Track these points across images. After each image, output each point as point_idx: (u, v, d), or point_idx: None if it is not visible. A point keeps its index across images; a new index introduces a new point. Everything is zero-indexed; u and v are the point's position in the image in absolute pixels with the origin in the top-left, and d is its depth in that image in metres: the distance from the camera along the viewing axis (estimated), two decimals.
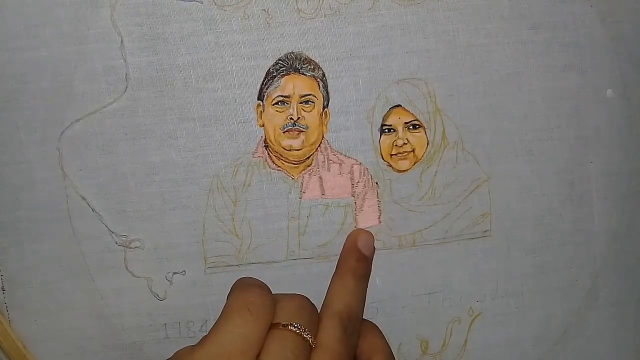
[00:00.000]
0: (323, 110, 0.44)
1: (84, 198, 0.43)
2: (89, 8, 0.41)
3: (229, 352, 0.31)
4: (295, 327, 0.33)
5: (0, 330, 0.44)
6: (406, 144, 0.45)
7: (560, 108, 0.46)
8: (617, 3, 0.45)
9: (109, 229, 0.44)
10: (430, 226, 0.46)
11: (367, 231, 0.41)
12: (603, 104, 0.46)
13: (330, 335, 0.34)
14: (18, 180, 0.43)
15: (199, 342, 0.32)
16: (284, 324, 0.33)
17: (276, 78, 0.43)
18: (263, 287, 0.34)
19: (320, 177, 0.44)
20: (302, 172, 0.44)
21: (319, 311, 0.36)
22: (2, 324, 0.44)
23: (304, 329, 0.33)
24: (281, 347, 0.32)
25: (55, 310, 0.44)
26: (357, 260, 0.39)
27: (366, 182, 0.45)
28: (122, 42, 0.42)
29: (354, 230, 0.42)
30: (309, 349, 0.33)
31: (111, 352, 0.45)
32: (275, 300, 0.34)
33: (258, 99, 0.43)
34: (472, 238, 0.46)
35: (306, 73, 0.43)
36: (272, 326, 0.33)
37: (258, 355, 0.32)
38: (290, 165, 0.44)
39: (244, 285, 0.34)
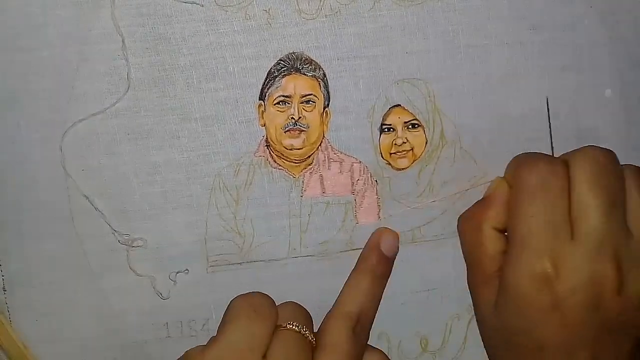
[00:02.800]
0: (324, 109, 0.44)
1: (86, 197, 0.43)
2: (91, 8, 0.41)
3: (239, 350, 0.32)
4: (294, 326, 0.33)
5: (2, 330, 0.44)
6: (405, 142, 0.45)
7: (559, 108, 0.46)
8: (616, 3, 0.45)
9: (111, 228, 0.44)
10: (428, 222, 0.46)
11: (392, 231, 0.39)
12: (602, 104, 0.46)
13: (336, 334, 0.34)
14: (20, 180, 0.43)
15: (209, 343, 0.33)
16: (283, 325, 0.33)
17: (277, 78, 0.43)
18: (262, 292, 0.35)
19: (321, 176, 0.44)
20: (303, 171, 0.44)
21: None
22: (3, 325, 0.44)
23: (303, 327, 0.34)
24: (284, 346, 0.33)
25: (57, 310, 0.44)
26: (377, 261, 0.38)
27: (366, 180, 0.45)
28: (123, 42, 0.42)
29: (378, 229, 0.39)
30: (310, 346, 0.34)
31: (112, 352, 0.45)
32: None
33: (259, 99, 0.43)
34: None
35: (307, 73, 0.43)
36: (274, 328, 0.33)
37: (264, 356, 0.32)
38: (292, 164, 0.44)
39: (244, 294, 0.35)
